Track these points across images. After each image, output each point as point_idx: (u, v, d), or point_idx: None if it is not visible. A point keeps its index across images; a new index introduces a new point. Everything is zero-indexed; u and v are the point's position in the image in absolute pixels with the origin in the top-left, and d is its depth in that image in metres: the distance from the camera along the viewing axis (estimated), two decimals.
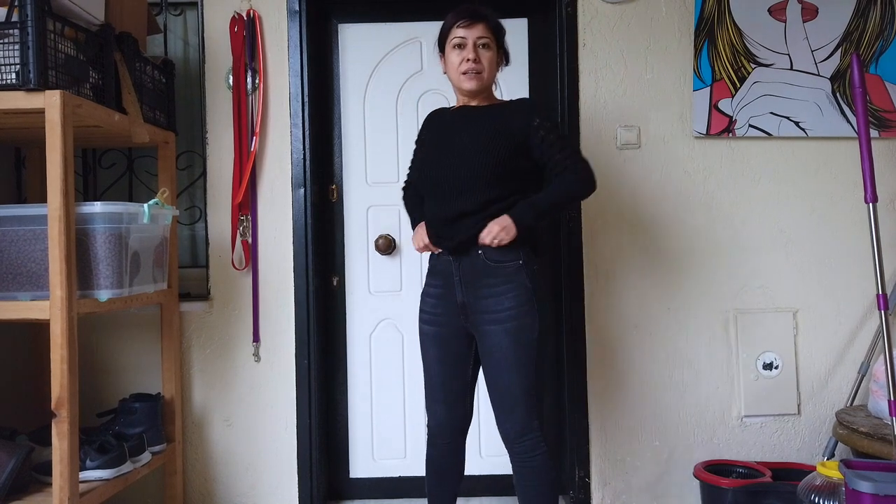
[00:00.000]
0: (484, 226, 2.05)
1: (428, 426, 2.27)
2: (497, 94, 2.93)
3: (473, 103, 2.20)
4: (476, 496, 2.88)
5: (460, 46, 2.11)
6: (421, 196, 2.29)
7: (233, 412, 2.83)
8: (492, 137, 2.08)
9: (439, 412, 2.20)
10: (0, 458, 2.09)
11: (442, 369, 2.18)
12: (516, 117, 2.12)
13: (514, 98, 2.28)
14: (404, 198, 2.43)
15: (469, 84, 2.12)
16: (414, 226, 2.32)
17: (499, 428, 2.11)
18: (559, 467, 2.95)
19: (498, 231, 2.01)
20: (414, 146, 2.38)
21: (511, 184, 2.09)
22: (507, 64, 2.25)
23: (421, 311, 2.24)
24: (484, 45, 2.11)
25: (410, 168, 2.41)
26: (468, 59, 2.09)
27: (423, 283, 2.28)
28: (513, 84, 2.96)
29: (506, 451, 2.12)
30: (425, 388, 2.24)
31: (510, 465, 2.13)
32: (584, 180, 2.11)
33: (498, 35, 2.16)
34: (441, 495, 2.27)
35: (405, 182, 2.45)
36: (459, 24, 2.11)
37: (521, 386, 2.05)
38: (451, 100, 2.94)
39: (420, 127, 2.36)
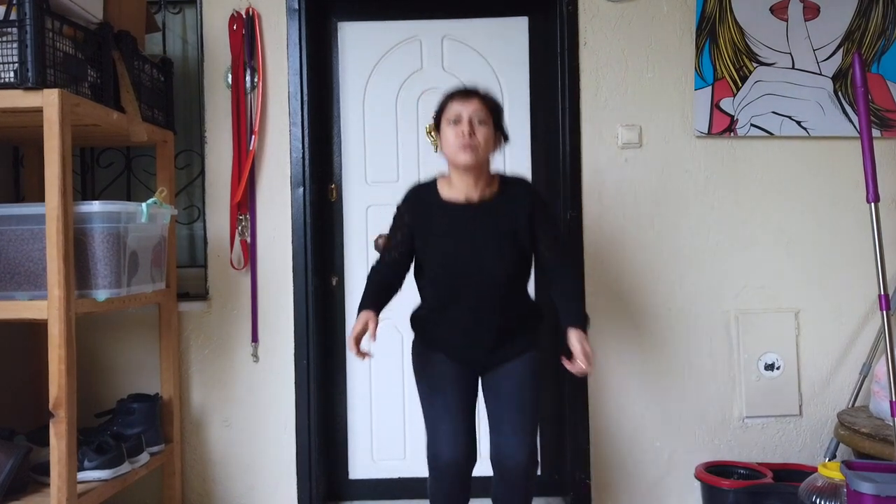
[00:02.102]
0: (507, 331, 2.13)
1: (438, 457, 2.06)
2: (498, 96, 2.94)
3: (475, 197, 2.12)
4: (475, 497, 2.86)
5: (456, 122, 2.07)
6: (390, 283, 2.19)
7: (231, 413, 2.82)
8: (506, 244, 2.11)
9: (459, 436, 2.06)
10: None
11: (459, 388, 2.14)
12: (520, 208, 2.13)
13: (509, 175, 2.24)
14: (371, 276, 2.22)
15: (464, 157, 2.05)
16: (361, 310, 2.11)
17: (505, 450, 2.04)
18: (559, 468, 2.94)
19: (590, 353, 2.02)
20: (391, 226, 2.22)
21: (520, 277, 2.18)
22: (506, 142, 2.20)
23: (429, 340, 2.23)
24: (480, 122, 2.07)
25: (385, 249, 2.24)
26: (463, 134, 2.05)
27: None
28: (514, 83, 2.96)
29: None
30: (436, 416, 2.11)
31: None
32: (579, 275, 2.27)
33: (495, 113, 2.13)
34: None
35: (378, 260, 2.26)
36: (455, 100, 2.10)
37: (535, 412, 2.14)
38: None
39: (400, 203, 2.22)
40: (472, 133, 2.05)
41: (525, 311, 2.22)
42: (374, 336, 2.01)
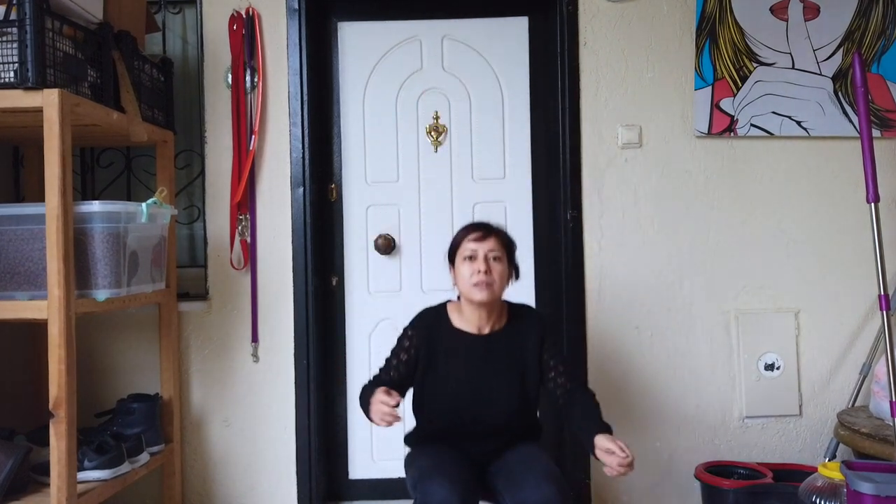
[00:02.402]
0: (510, 445, 2.13)
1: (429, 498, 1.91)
2: (498, 96, 2.95)
3: (486, 329, 2.15)
4: None
5: (471, 259, 2.09)
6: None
7: (231, 413, 2.82)
8: (516, 376, 2.13)
9: (456, 480, 1.92)
10: None
11: (460, 457, 2.07)
12: (529, 340, 2.15)
13: (515, 304, 2.24)
14: (365, 390, 2.11)
15: (480, 296, 2.07)
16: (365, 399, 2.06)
17: (530, 492, 1.91)
18: (559, 469, 2.94)
19: (623, 445, 1.89)
20: (395, 347, 2.20)
21: (528, 408, 2.18)
22: (517, 279, 2.21)
23: (424, 442, 2.18)
24: (495, 258, 2.09)
25: (384, 369, 2.19)
26: (479, 271, 2.06)
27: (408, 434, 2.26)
28: (514, 83, 2.95)
29: None
30: (430, 465, 2.01)
31: None
32: (592, 393, 2.19)
33: (508, 249, 2.15)
34: None
35: (373, 378, 2.20)
36: (471, 238, 2.11)
37: (554, 470, 2.00)
38: (451, 100, 2.95)
39: (408, 326, 2.20)
40: (487, 271, 2.07)
41: (528, 428, 2.22)
42: (398, 398, 1.95)
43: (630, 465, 1.85)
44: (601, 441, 1.91)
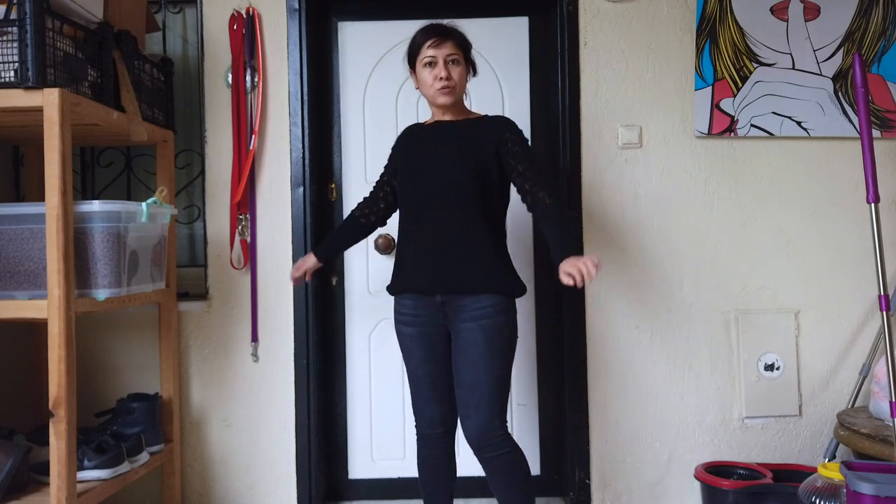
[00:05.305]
0: (466, 265, 2.15)
1: (417, 428, 2.31)
2: (498, 96, 2.95)
3: (447, 118, 2.29)
4: (474, 497, 2.87)
5: (431, 64, 2.20)
6: (364, 216, 2.42)
7: (231, 412, 2.82)
8: (464, 151, 2.20)
9: (430, 411, 2.26)
10: None
11: (429, 368, 2.24)
12: (488, 131, 2.23)
13: (492, 115, 2.35)
14: (351, 212, 2.48)
15: (443, 99, 2.22)
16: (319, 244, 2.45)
17: (463, 428, 2.16)
18: (559, 468, 2.94)
19: (583, 267, 1.93)
20: (385, 164, 2.46)
21: (482, 201, 2.17)
22: (474, 75, 2.33)
23: (398, 313, 2.29)
24: (453, 62, 2.21)
25: (378, 184, 2.45)
26: (441, 77, 2.18)
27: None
28: (514, 83, 2.96)
29: None
30: (412, 389, 2.29)
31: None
32: (561, 204, 2.28)
33: (465, 50, 2.26)
34: (437, 496, 2.31)
35: (365, 197, 2.48)
36: (429, 44, 2.20)
37: (488, 385, 2.10)
38: None
39: (396, 140, 2.43)
40: (448, 76, 2.18)
41: (491, 250, 2.18)
42: (307, 276, 2.41)
43: (591, 273, 1.91)
44: (564, 267, 1.96)
